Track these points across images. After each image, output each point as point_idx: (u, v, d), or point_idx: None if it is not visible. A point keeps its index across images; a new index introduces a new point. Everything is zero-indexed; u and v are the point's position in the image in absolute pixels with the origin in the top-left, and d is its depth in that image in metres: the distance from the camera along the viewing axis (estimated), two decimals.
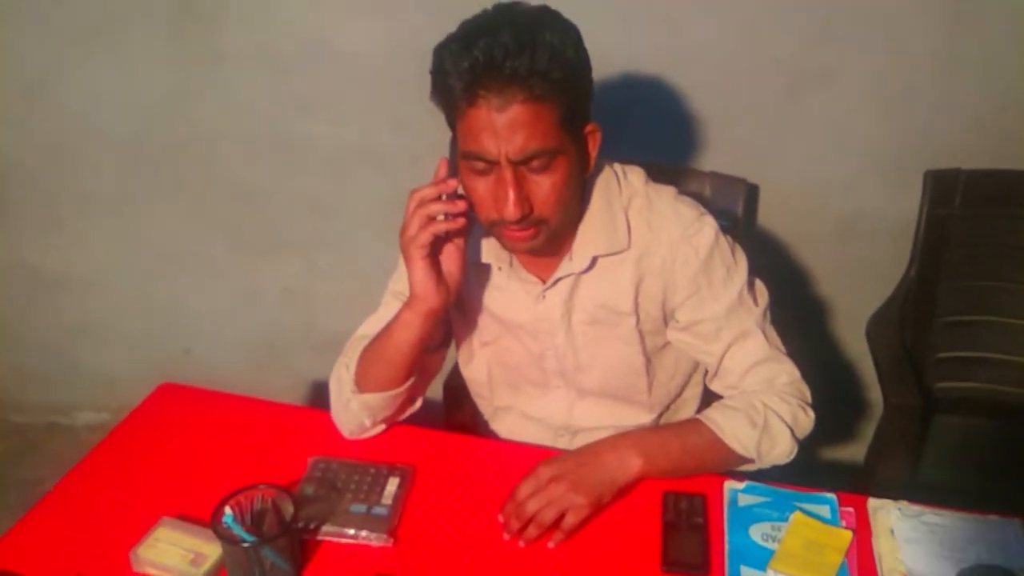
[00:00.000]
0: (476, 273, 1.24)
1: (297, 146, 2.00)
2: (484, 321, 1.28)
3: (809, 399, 1.21)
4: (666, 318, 1.24)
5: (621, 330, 1.23)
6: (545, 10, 1.05)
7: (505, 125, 1.00)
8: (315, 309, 2.23)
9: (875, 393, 1.84)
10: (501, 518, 1.09)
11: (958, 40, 1.67)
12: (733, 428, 1.15)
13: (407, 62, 1.83)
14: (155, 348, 2.29)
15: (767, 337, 1.21)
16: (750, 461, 1.17)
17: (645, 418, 1.31)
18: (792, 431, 1.16)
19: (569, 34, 1.03)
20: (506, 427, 1.39)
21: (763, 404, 1.16)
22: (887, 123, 1.77)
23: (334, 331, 2.24)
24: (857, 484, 1.15)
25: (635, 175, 1.22)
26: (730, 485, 1.13)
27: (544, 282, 1.20)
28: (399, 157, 1.97)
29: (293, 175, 2.05)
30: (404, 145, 1.95)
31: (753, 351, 1.20)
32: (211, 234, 2.16)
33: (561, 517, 1.06)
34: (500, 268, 1.21)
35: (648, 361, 1.27)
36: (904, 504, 1.09)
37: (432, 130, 1.91)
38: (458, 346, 1.37)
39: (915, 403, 1.48)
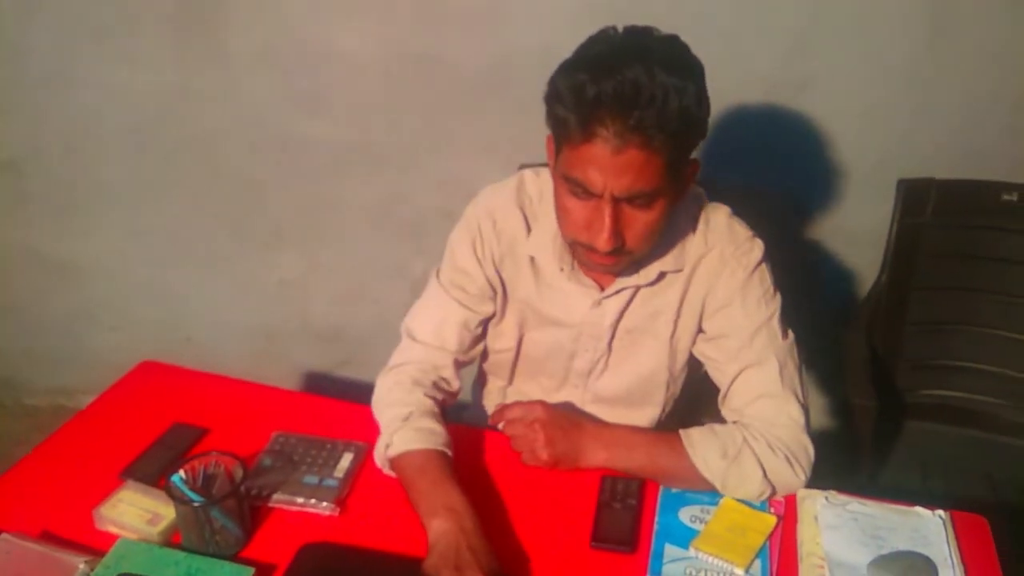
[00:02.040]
0: (531, 267, 1.26)
1: (297, 144, 2.07)
2: (526, 313, 1.30)
3: (804, 454, 1.15)
4: (698, 330, 1.26)
5: (656, 341, 1.26)
6: (676, 45, 1.05)
7: (616, 165, 1.01)
8: (310, 301, 2.30)
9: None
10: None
11: (935, 52, 1.70)
12: (704, 451, 1.14)
13: (403, 64, 1.92)
14: (158, 335, 2.38)
15: (783, 372, 1.18)
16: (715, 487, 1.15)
17: (641, 422, 1.34)
18: (765, 475, 1.12)
19: (697, 79, 1.02)
20: None
21: (743, 439, 1.14)
22: (864, 132, 1.81)
23: (328, 323, 2.33)
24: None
25: (700, 195, 1.25)
26: None
27: (602, 288, 1.23)
28: (394, 157, 2.04)
29: (293, 172, 2.12)
30: (399, 145, 2.03)
31: (764, 382, 1.18)
32: (213, 227, 2.24)
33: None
34: (562, 269, 1.23)
35: (671, 377, 1.30)
36: (832, 493, 1.13)
37: (425, 131, 1.99)
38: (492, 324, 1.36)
39: (873, 405, 1.51)
